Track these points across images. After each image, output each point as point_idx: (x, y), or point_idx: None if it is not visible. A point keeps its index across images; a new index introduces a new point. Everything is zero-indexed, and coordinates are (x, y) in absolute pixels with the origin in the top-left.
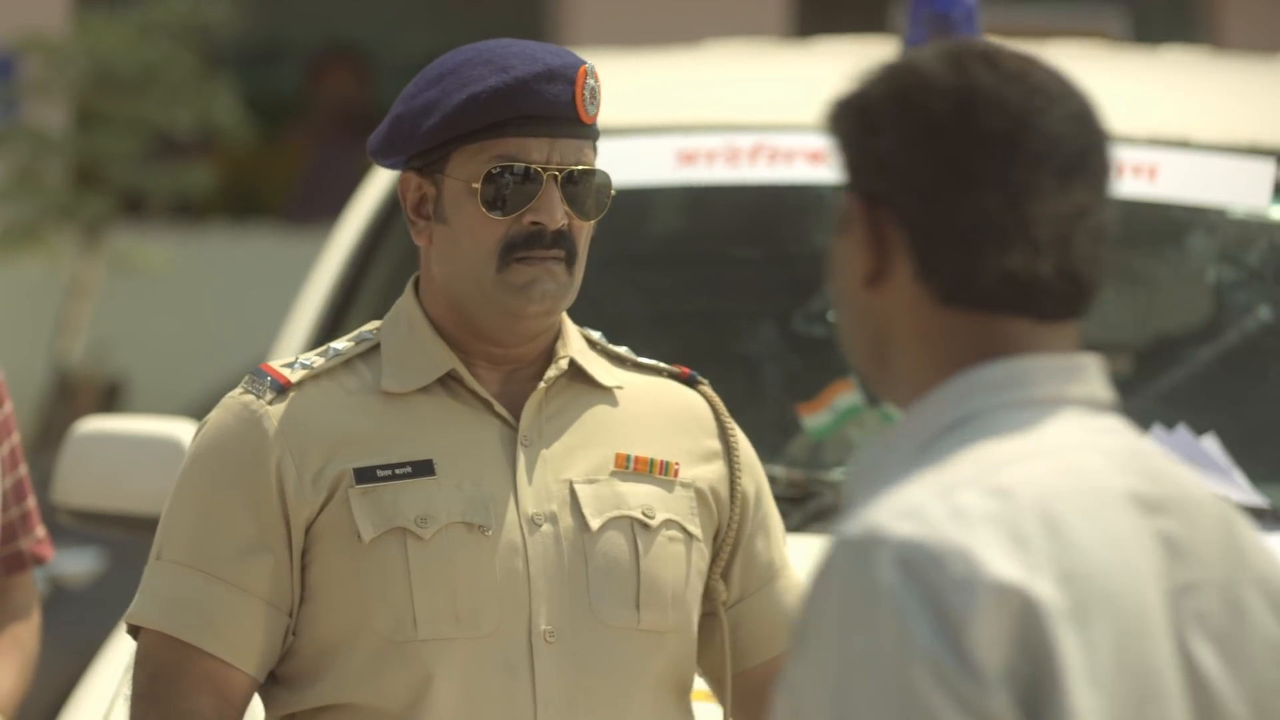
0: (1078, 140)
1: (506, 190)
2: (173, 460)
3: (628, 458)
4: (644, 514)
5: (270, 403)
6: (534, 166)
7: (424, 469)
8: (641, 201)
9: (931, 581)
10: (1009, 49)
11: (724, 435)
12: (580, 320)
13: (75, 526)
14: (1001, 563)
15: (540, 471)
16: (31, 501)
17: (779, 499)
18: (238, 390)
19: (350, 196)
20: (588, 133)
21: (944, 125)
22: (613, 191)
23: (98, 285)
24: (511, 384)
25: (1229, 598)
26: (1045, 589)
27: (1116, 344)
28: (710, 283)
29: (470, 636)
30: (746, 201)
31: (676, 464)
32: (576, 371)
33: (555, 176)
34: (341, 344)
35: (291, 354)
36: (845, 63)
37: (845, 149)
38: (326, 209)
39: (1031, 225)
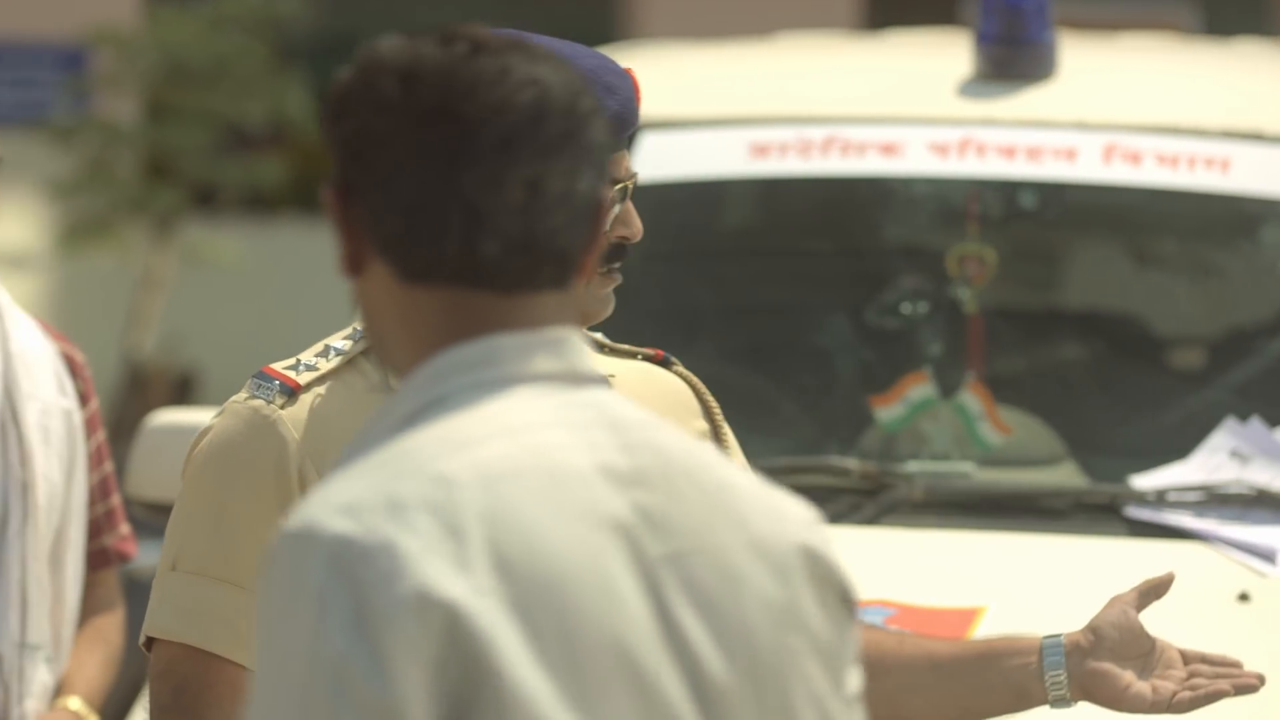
0: (530, 111)
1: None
2: None
3: None
4: None
5: (282, 407)
6: (624, 183)
7: None
8: (714, 194)
9: (359, 580)
10: (500, 34)
11: (709, 415)
12: (650, 313)
13: (148, 519)
14: (430, 560)
15: None
16: (116, 499)
17: (852, 491)
18: (242, 395)
19: None
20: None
21: (389, 102)
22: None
23: (169, 278)
24: None
25: (721, 564)
26: (478, 582)
27: (1190, 337)
28: (782, 275)
29: None
30: (819, 194)
31: None
32: None
33: (626, 189)
34: (339, 341)
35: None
36: (917, 55)
37: (325, 140)
38: None
39: (475, 197)
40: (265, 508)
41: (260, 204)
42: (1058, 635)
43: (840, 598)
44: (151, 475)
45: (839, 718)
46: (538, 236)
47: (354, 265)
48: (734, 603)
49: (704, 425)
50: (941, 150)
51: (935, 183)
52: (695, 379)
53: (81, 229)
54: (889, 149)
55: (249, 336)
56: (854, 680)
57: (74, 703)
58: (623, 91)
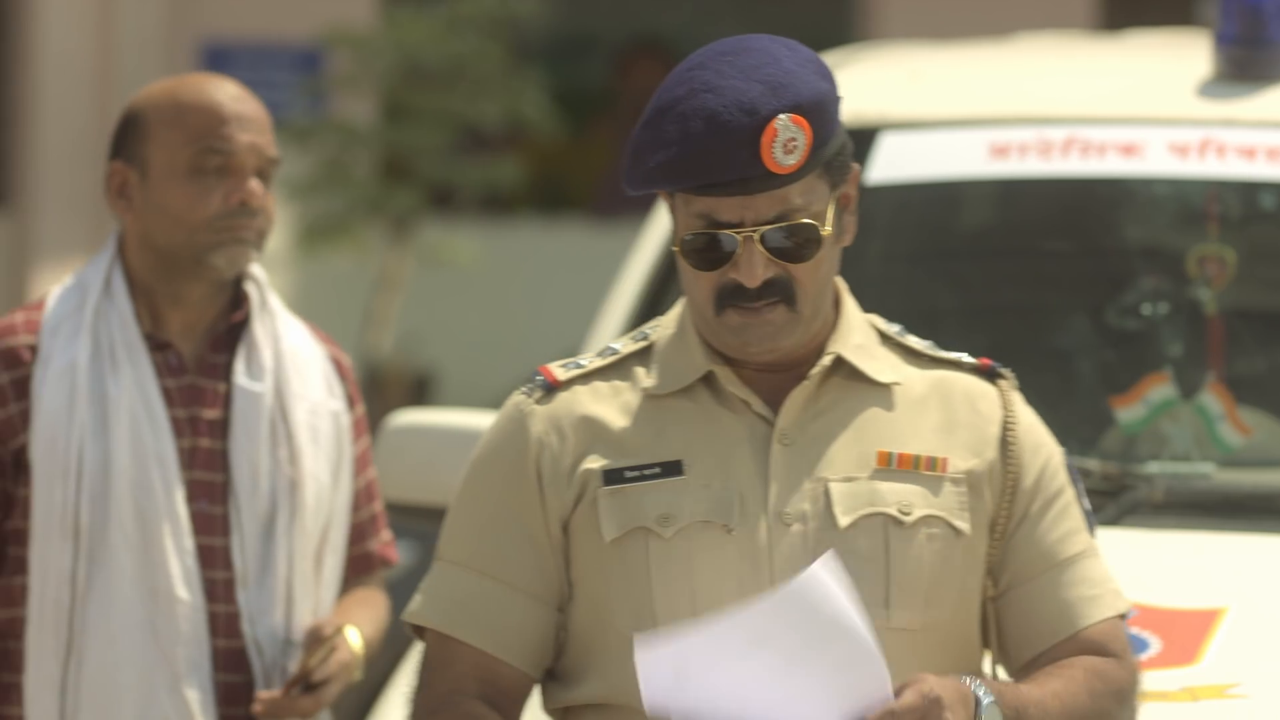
0: None
1: (705, 249)
2: None
3: (890, 455)
4: (899, 511)
5: (538, 402)
6: (724, 232)
7: (672, 469)
8: (954, 195)
9: None
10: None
11: (1004, 426)
12: (891, 313)
13: (390, 520)
14: None
15: (796, 470)
16: (380, 504)
17: (1092, 492)
18: (516, 391)
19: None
20: (793, 179)
21: None
22: (823, 234)
23: (406, 278)
24: (779, 383)
25: None
26: None
27: None
28: (1022, 276)
29: None
30: (1058, 195)
31: (945, 459)
32: (851, 368)
33: (750, 237)
34: (619, 343)
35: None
36: (1156, 56)
37: None
38: (634, 202)
39: None
40: (509, 499)
41: (497, 204)
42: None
43: None
44: (392, 475)
45: None
46: None
47: None
48: None
49: (996, 436)
50: (1181, 151)
51: (1175, 183)
52: (1012, 391)
53: (319, 230)
54: (1129, 150)
55: (486, 337)
56: None
57: (353, 634)
58: None
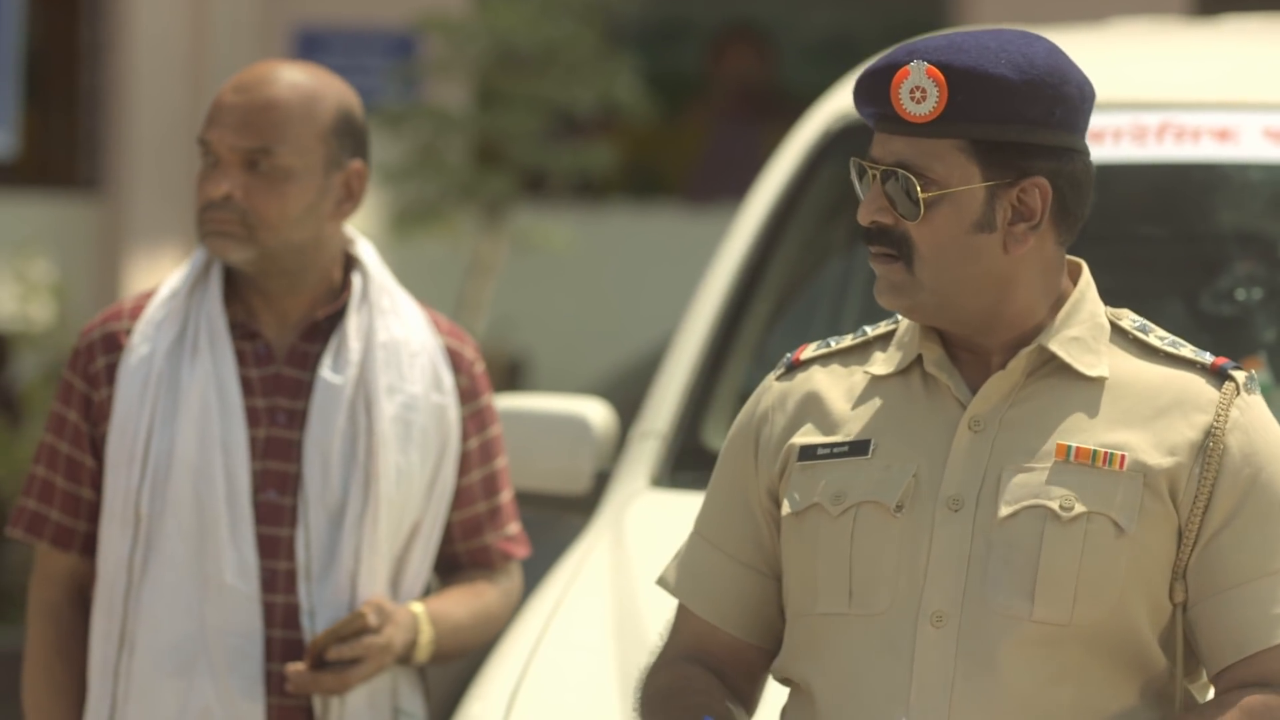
0: None
1: (855, 179)
2: (581, 438)
3: (1069, 448)
4: (1061, 505)
5: (778, 379)
6: (856, 160)
7: (860, 448)
8: None
9: None
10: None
11: (1209, 430)
12: None
13: None
14: None
15: (978, 457)
16: (505, 496)
17: None
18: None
19: (752, 176)
20: (924, 131)
21: None
22: (922, 194)
23: (499, 264)
24: (987, 370)
25: None
26: None
27: None
28: (1118, 261)
29: (861, 614)
30: (1153, 180)
31: (1123, 455)
32: (1059, 361)
33: (874, 175)
34: (873, 325)
35: (696, 334)
36: (1251, 41)
37: None
38: (728, 188)
39: None
40: (733, 471)
41: (590, 190)
42: None
43: None
44: None
45: None
46: None
47: None
48: None
49: (1197, 439)
50: (1277, 136)
51: (1270, 169)
52: (1235, 395)
53: (412, 215)
54: (1224, 135)
55: (579, 322)
56: None
57: (417, 606)
58: None
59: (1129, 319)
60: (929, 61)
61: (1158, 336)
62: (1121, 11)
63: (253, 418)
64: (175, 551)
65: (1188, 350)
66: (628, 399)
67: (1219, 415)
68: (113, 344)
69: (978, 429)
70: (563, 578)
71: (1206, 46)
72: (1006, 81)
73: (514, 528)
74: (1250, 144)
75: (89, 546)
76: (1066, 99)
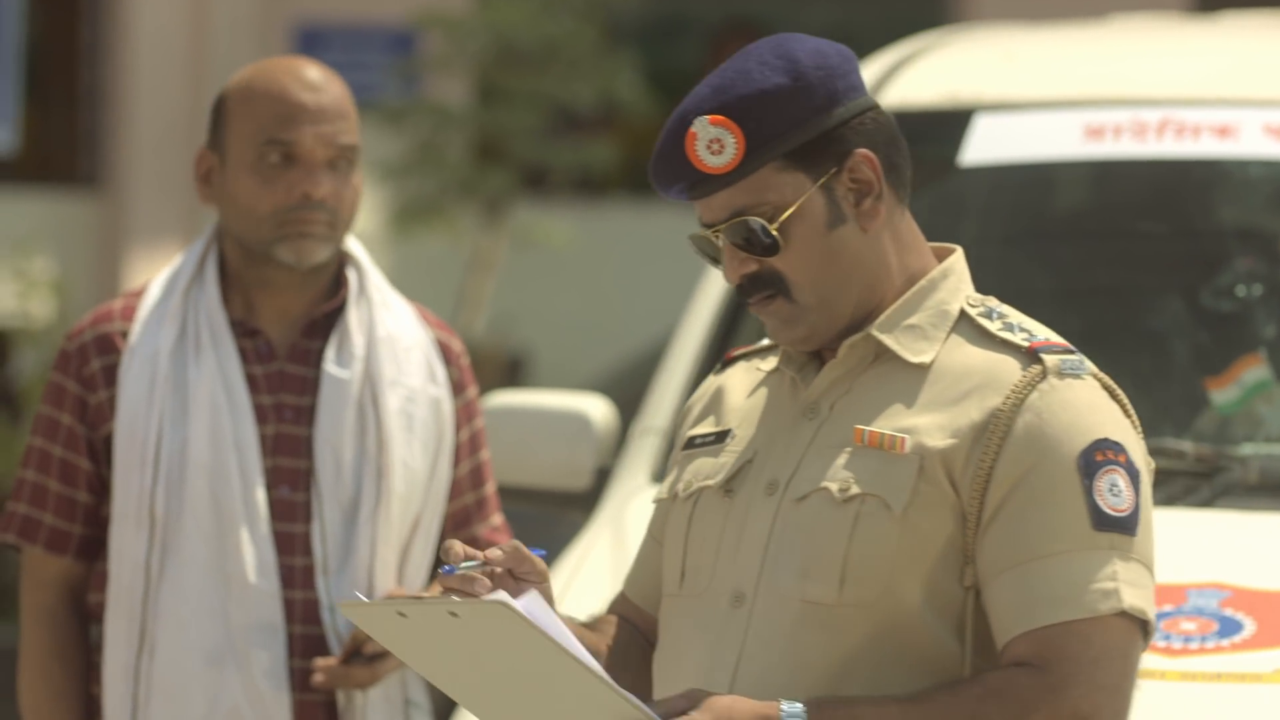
0: None
1: (702, 253)
2: (581, 434)
3: (863, 433)
4: (840, 488)
5: (714, 374)
6: (698, 234)
7: (722, 438)
8: (1048, 176)
9: None
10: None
11: (993, 413)
12: (984, 295)
13: None
14: None
15: (800, 443)
16: (490, 488)
17: (1187, 474)
18: None
19: None
20: (734, 177)
21: None
22: (773, 226)
23: (500, 260)
24: (828, 358)
25: None
26: None
27: None
28: (1117, 258)
29: (688, 595)
30: (1153, 176)
31: (904, 438)
32: (887, 348)
33: (719, 236)
34: None
35: (696, 330)
36: (1252, 38)
37: None
38: None
39: None
40: (668, 462)
41: (590, 186)
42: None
43: None
44: None
45: None
46: None
47: None
48: None
49: (985, 422)
50: (1277, 133)
51: (1270, 165)
52: (1039, 378)
53: (412, 211)
54: (1224, 131)
55: (579, 318)
56: None
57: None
58: None
59: (979, 305)
60: (708, 113)
61: (1002, 323)
62: (1122, 8)
63: (261, 415)
64: (195, 552)
65: (1020, 336)
66: (628, 395)
67: (1008, 398)
68: (108, 346)
69: (811, 416)
70: (564, 573)
71: (1206, 43)
72: (784, 88)
73: (498, 518)
74: (1250, 140)
75: (83, 550)
76: (837, 70)
